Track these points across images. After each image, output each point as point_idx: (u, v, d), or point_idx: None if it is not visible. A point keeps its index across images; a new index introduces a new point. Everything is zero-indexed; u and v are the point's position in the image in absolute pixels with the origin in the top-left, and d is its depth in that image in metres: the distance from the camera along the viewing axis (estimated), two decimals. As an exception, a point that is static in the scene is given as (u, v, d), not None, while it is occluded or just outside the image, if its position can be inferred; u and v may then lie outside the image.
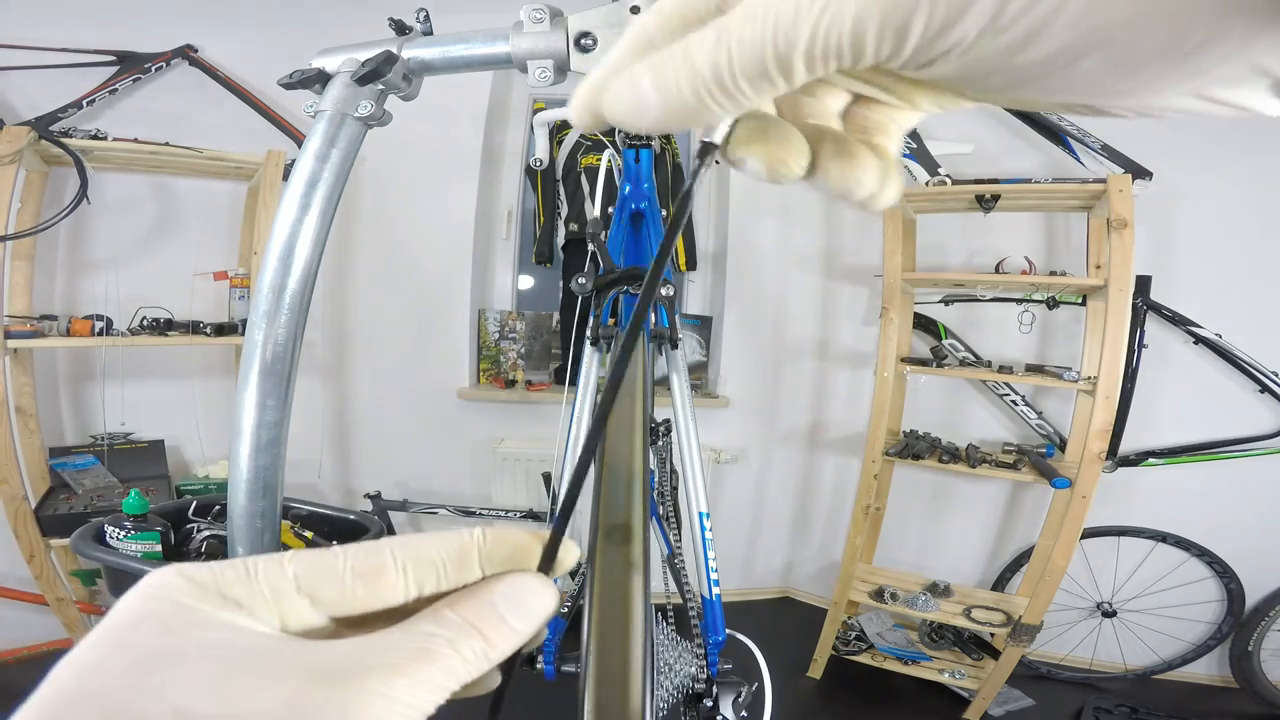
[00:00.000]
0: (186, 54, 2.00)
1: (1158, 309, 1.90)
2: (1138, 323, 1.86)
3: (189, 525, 1.02)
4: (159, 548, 0.96)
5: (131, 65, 1.92)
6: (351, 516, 1.14)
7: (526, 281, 2.59)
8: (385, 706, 0.16)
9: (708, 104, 0.16)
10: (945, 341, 2.08)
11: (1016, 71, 0.14)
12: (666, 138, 2.33)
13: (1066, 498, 1.74)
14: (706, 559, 0.85)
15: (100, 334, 1.72)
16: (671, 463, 1.08)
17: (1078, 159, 1.89)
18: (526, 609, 0.20)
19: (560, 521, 0.22)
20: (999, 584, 2.15)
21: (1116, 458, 1.94)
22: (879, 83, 0.19)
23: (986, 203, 1.84)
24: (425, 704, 0.17)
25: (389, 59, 0.49)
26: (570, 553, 0.22)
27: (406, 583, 0.19)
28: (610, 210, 1.14)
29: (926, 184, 1.86)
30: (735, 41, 0.15)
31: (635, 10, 0.48)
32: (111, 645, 0.16)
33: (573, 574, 2.16)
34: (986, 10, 0.13)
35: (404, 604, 0.20)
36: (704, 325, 2.40)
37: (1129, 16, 0.13)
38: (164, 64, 1.96)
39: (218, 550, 0.97)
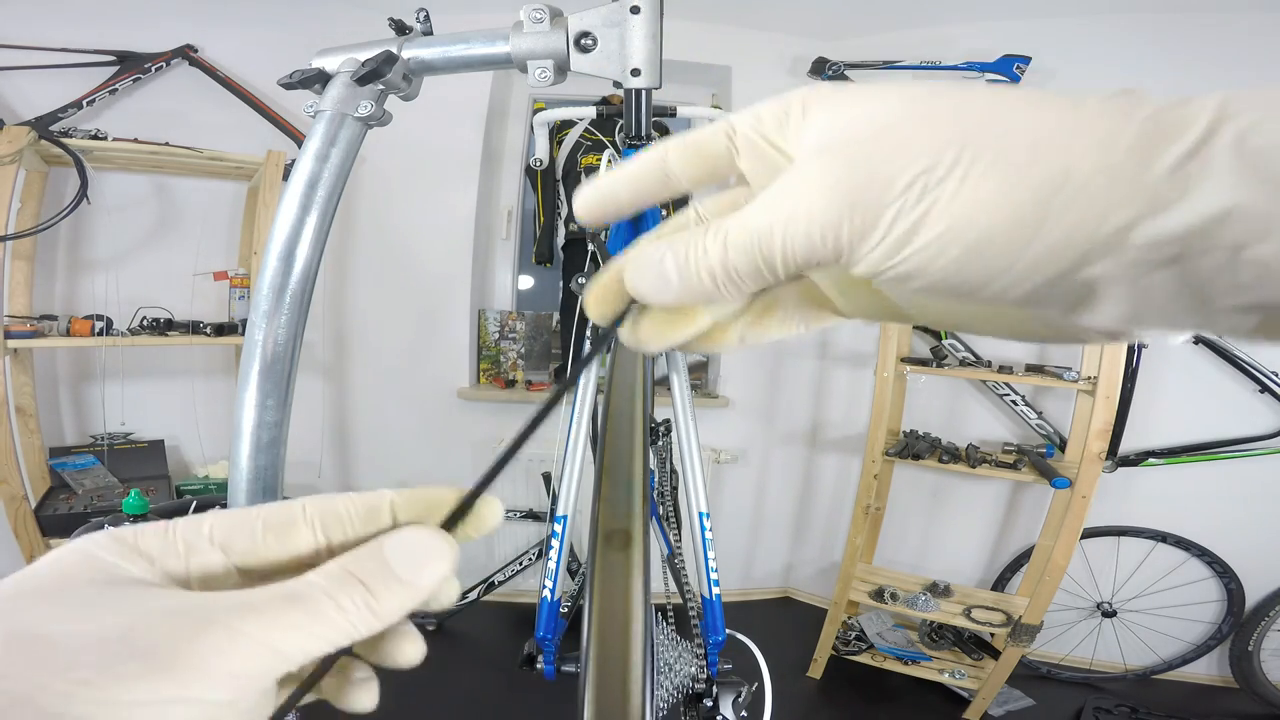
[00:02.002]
0: (186, 54, 2.00)
1: (1158, 309, 1.89)
2: (1138, 323, 1.85)
3: (189, 525, 1.02)
4: (159, 548, 0.96)
5: (131, 65, 1.92)
6: (351, 516, 1.14)
7: (526, 281, 2.59)
8: (228, 639, 0.16)
9: (720, 291, 0.20)
10: (945, 341, 2.08)
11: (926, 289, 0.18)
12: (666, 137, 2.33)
13: (1066, 498, 1.74)
14: (706, 559, 0.85)
15: (100, 334, 1.72)
16: (671, 463, 1.08)
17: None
18: (416, 561, 0.19)
19: (481, 482, 0.21)
20: (999, 584, 2.15)
21: (1116, 458, 1.94)
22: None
23: (986, 203, 1.84)
24: (287, 647, 0.17)
25: (389, 59, 0.49)
26: (491, 511, 0.22)
27: (315, 534, 0.20)
28: (610, 210, 1.13)
29: (926, 184, 1.86)
30: (734, 246, 0.19)
31: (635, 10, 0.48)
32: (4, 582, 0.17)
33: (573, 574, 2.16)
34: (874, 239, 0.17)
35: (315, 555, 0.20)
36: (704, 325, 2.40)
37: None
38: (164, 64, 1.96)
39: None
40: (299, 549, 0.20)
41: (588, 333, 0.90)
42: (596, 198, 0.24)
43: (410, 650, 0.22)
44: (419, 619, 2.38)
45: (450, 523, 0.21)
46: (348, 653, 0.20)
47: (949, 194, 0.16)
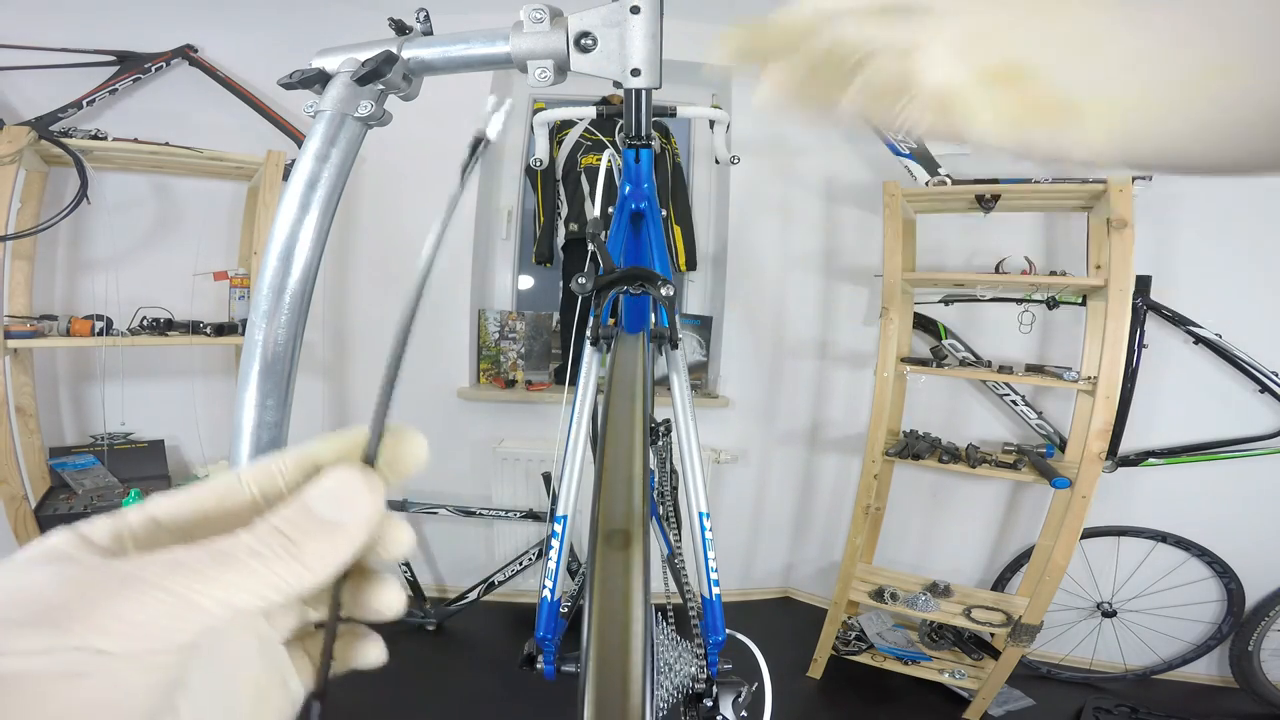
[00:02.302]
0: (186, 54, 2.00)
1: (1158, 309, 1.90)
2: (1138, 323, 1.86)
3: (189, 525, 1.02)
4: (159, 548, 0.96)
5: (131, 65, 1.92)
6: (351, 516, 1.14)
7: (526, 281, 2.59)
8: (135, 591, 0.16)
9: None
10: (945, 341, 2.08)
11: None
12: (666, 137, 2.33)
13: (1066, 498, 1.74)
14: (706, 559, 0.85)
15: (100, 334, 1.72)
16: (671, 463, 1.08)
17: (1078, 159, 1.89)
18: (337, 501, 0.20)
19: (380, 404, 0.22)
20: (999, 584, 2.15)
21: (1116, 458, 1.94)
22: None
23: (987, 203, 1.84)
24: (203, 599, 0.17)
25: (389, 59, 0.49)
26: (414, 442, 0.22)
27: (255, 497, 0.20)
28: (610, 210, 1.14)
29: (926, 184, 1.86)
30: None
31: (635, 10, 0.48)
32: None
33: (573, 574, 2.15)
34: None
35: (252, 512, 0.20)
36: (704, 325, 2.40)
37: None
38: (164, 64, 1.96)
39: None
40: (240, 512, 0.20)
41: (587, 333, 0.90)
42: None
43: (388, 598, 0.22)
44: (419, 617, 2.36)
45: (367, 457, 0.21)
46: (339, 620, 0.21)
47: None
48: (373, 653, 0.23)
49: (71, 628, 0.15)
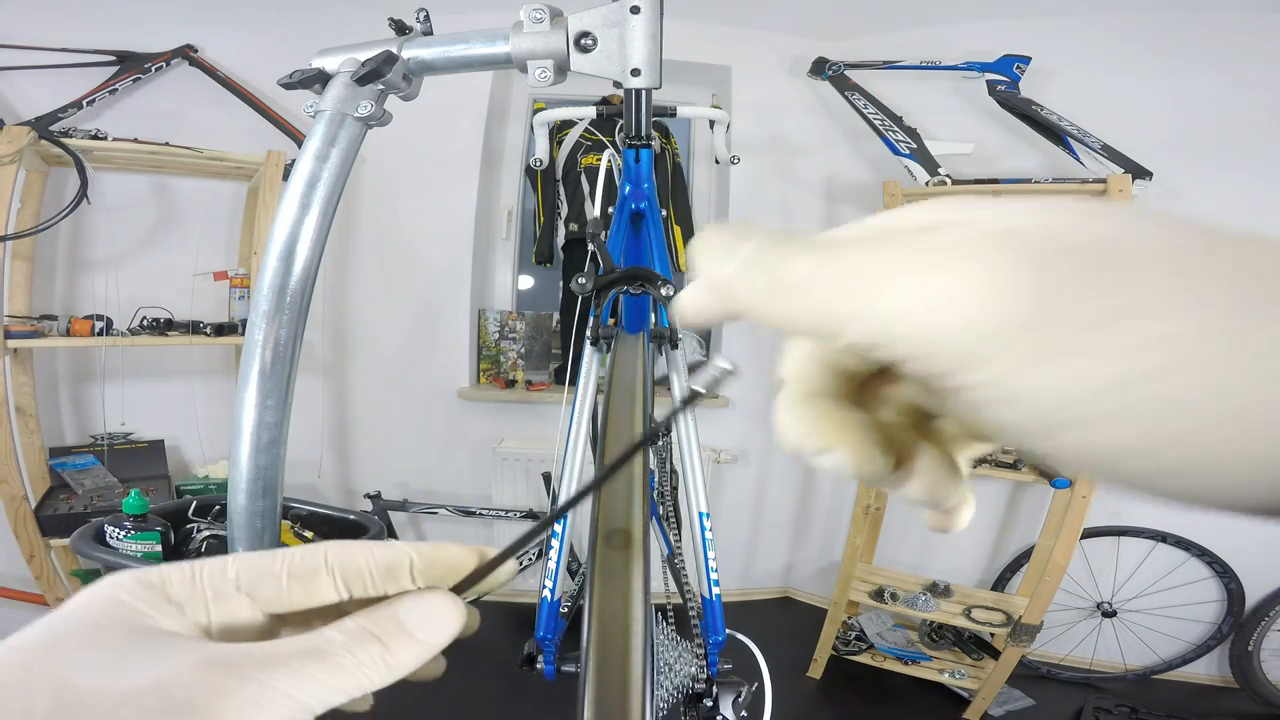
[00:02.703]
0: (186, 54, 2.00)
1: (1158, 309, 1.89)
2: (1138, 323, 1.85)
3: (189, 525, 1.02)
4: (159, 548, 0.96)
5: (131, 65, 1.92)
6: (351, 516, 1.14)
7: (526, 281, 2.59)
8: (257, 692, 0.17)
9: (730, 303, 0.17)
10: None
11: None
12: (666, 137, 2.33)
13: (1066, 497, 1.74)
14: (706, 559, 0.85)
15: (100, 334, 1.72)
16: (671, 463, 1.08)
17: (1078, 159, 1.89)
18: (429, 622, 0.21)
19: (503, 553, 0.23)
20: (999, 584, 2.15)
21: (1116, 458, 1.94)
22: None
23: (986, 203, 1.84)
24: (308, 698, 0.18)
25: (389, 59, 0.49)
26: (506, 570, 0.24)
27: (337, 586, 0.21)
28: (610, 210, 1.14)
29: (927, 184, 1.86)
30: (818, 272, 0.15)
31: (635, 10, 0.48)
32: (39, 630, 0.18)
33: (573, 574, 2.15)
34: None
35: (338, 604, 0.21)
36: (704, 325, 2.40)
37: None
38: (164, 64, 1.96)
39: (217, 550, 0.97)
40: (321, 598, 0.21)
41: (587, 333, 0.90)
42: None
43: (434, 668, 0.24)
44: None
45: (465, 585, 0.23)
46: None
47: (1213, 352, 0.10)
48: (435, 669, 0.25)
49: None
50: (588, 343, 0.89)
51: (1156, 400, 0.11)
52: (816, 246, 0.15)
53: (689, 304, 0.19)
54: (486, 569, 0.23)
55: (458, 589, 0.23)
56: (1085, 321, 0.11)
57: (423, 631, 0.21)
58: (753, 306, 0.16)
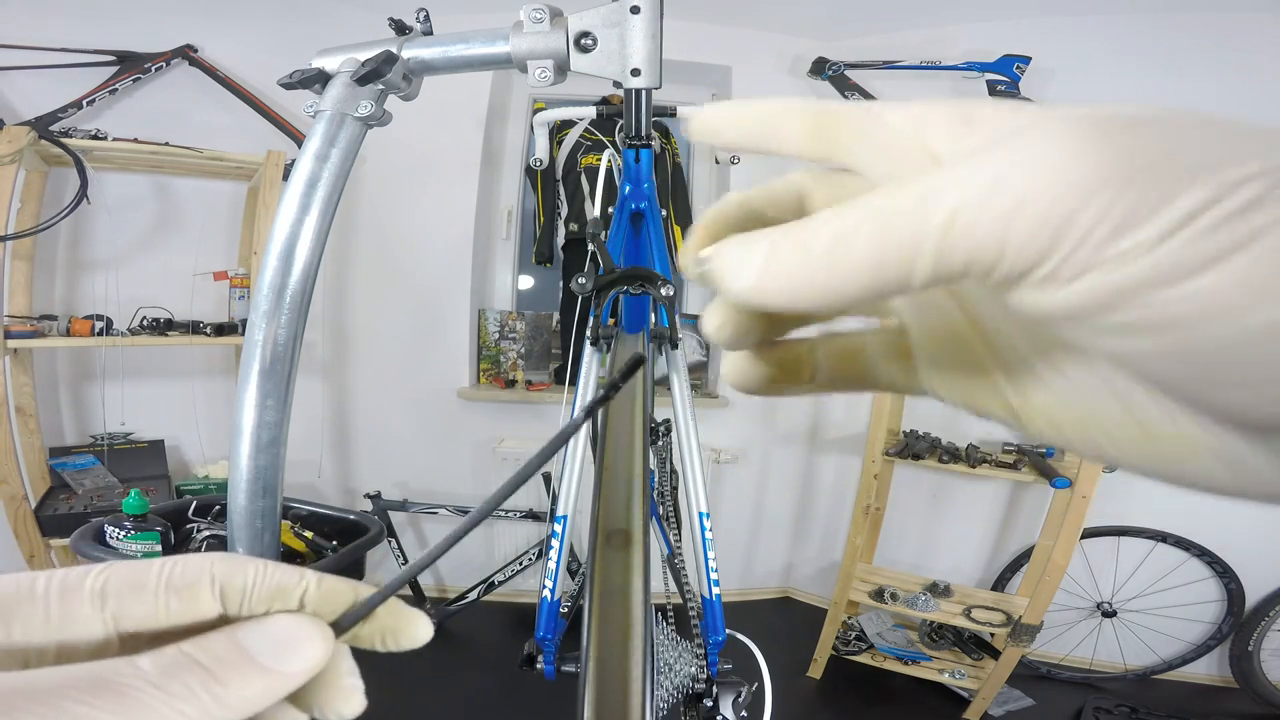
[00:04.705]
0: (186, 54, 2.00)
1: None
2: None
3: (189, 525, 1.02)
4: (159, 548, 0.96)
5: (131, 65, 1.92)
6: (351, 516, 1.14)
7: (526, 281, 2.59)
8: None
9: (814, 288, 0.14)
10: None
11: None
12: (666, 137, 2.33)
13: (1066, 497, 1.74)
14: (706, 559, 0.85)
15: (100, 334, 1.72)
16: (671, 463, 1.08)
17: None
18: (278, 646, 0.17)
19: (392, 583, 0.19)
20: (999, 584, 2.15)
21: (1116, 458, 1.94)
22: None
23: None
24: None
25: (389, 59, 0.49)
26: (416, 627, 0.20)
27: (215, 602, 0.18)
28: (610, 210, 1.14)
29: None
30: (869, 223, 0.13)
31: (635, 10, 0.48)
32: None
33: (573, 574, 2.15)
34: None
35: (216, 626, 0.18)
36: (704, 325, 2.40)
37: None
38: (164, 64, 1.96)
39: (217, 550, 0.97)
40: (201, 615, 0.17)
41: (587, 333, 0.90)
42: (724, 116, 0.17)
43: (346, 706, 0.19)
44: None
45: (349, 619, 0.19)
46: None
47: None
48: (354, 704, 0.20)
49: None
50: (588, 343, 0.89)
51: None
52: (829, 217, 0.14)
53: (715, 324, 0.18)
54: (370, 604, 0.19)
55: (339, 622, 0.19)
56: (1184, 166, 0.10)
57: (270, 656, 0.17)
58: (796, 287, 0.14)
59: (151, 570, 0.17)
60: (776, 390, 0.21)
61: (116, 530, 0.94)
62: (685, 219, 2.33)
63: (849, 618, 2.10)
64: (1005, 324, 0.17)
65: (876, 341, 0.20)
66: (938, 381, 0.19)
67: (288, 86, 0.51)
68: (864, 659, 2.00)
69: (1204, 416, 0.13)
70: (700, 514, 0.86)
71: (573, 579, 1.90)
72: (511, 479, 0.20)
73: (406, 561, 2.20)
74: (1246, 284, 0.10)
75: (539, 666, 0.81)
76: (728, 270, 0.16)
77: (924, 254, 0.12)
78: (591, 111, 1.42)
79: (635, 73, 0.50)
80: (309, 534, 1.06)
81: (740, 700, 0.67)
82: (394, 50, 0.50)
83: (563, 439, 0.19)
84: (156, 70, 1.95)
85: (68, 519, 1.66)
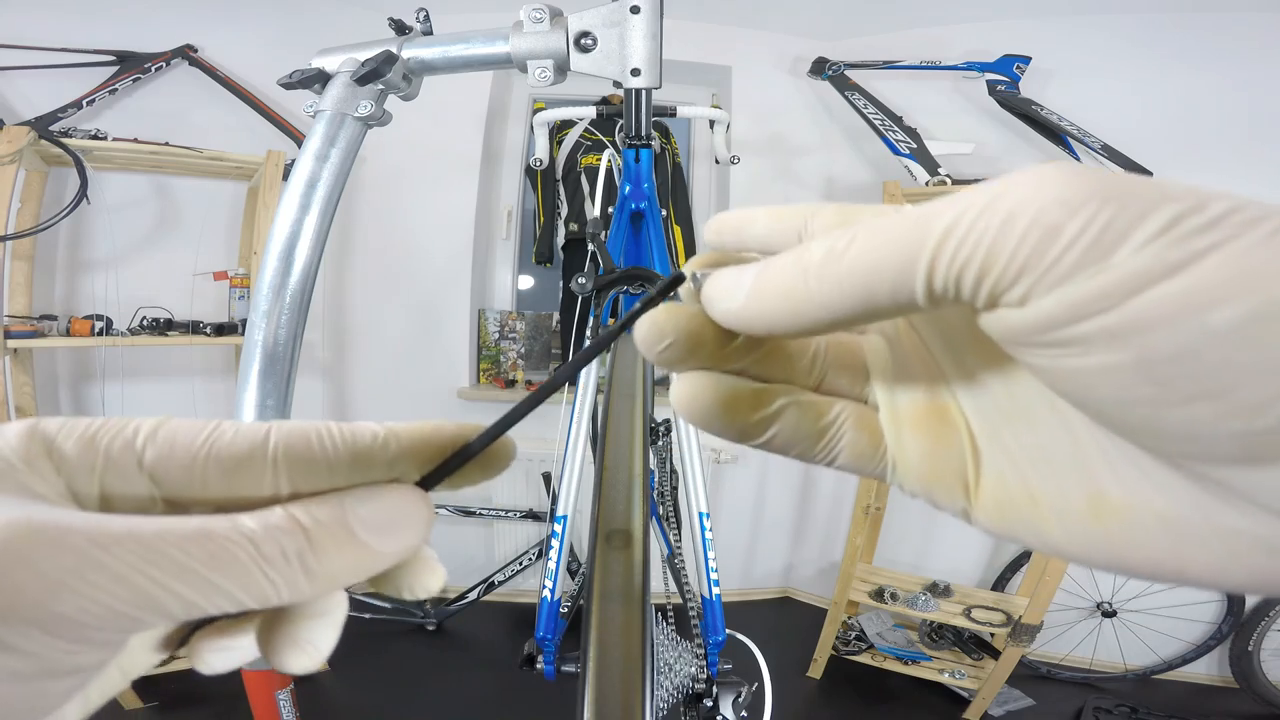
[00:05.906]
0: (186, 54, 2.00)
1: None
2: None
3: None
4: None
5: (131, 65, 1.92)
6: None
7: (526, 281, 2.59)
8: (73, 568, 0.12)
9: (799, 306, 0.14)
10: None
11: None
12: (666, 137, 2.33)
13: (1066, 498, 1.74)
14: (706, 559, 0.85)
15: (100, 334, 1.72)
16: (671, 463, 1.08)
17: (1078, 159, 1.89)
18: (382, 521, 0.16)
19: (493, 428, 0.18)
20: (999, 584, 2.15)
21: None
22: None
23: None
24: (160, 593, 0.13)
25: (389, 59, 0.49)
26: (504, 451, 0.19)
27: (277, 480, 0.16)
28: (610, 210, 1.14)
29: (926, 184, 1.86)
30: (860, 245, 0.13)
31: (635, 10, 0.48)
32: None
33: (573, 574, 2.15)
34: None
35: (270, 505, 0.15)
36: (704, 325, 2.40)
37: None
38: (164, 64, 1.96)
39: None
40: (251, 492, 0.16)
41: (588, 333, 0.90)
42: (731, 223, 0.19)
43: (431, 581, 0.18)
44: (419, 617, 2.36)
45: (438, 475, 0.18)
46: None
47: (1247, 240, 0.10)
48: (433, 581, 0.19)
49: None
50: (588, 343, 0.89)
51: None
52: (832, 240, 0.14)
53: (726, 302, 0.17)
54: (462, 456, 0.18)
55: (427, 481, 0.17)
56: (1158, 191, 0.11)
57: (373, 533, 0.16)
58: (787, 297, 0.14)
59: (202, 432, 0.16)
60: (731, 420, 0.19)
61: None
62: (685, 219, 2.33)
63: (849, 618, 2.10)
64: (974, 387, 0.17)
65: (849, 410, 0.19)
66: (900, 458, 0.18)
67: (288, 86, 0.51)
68: (864, 659, 2.00)
69: (1162, 464, 0.13)
70: (700, 514, 0.86)
71: (573, 579, 1.90)
72: (577, 357, 0.21)
73: (406, 561, 2.20)
74: (1212, 284, 0.10)
75: (539, 666, 0.81)
76: (721, 289, 0.16)
77: (919, 264, 0.12)
78: (591, 111, 1.42)
79: (635, 73, 0.50)
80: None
81: (740, 700, 0.67)
82: (394, 50, 0.50)
83: (606, 341, 0.20)
84: (156, 70, 1.95)
85: (68, 519, 1.66)
